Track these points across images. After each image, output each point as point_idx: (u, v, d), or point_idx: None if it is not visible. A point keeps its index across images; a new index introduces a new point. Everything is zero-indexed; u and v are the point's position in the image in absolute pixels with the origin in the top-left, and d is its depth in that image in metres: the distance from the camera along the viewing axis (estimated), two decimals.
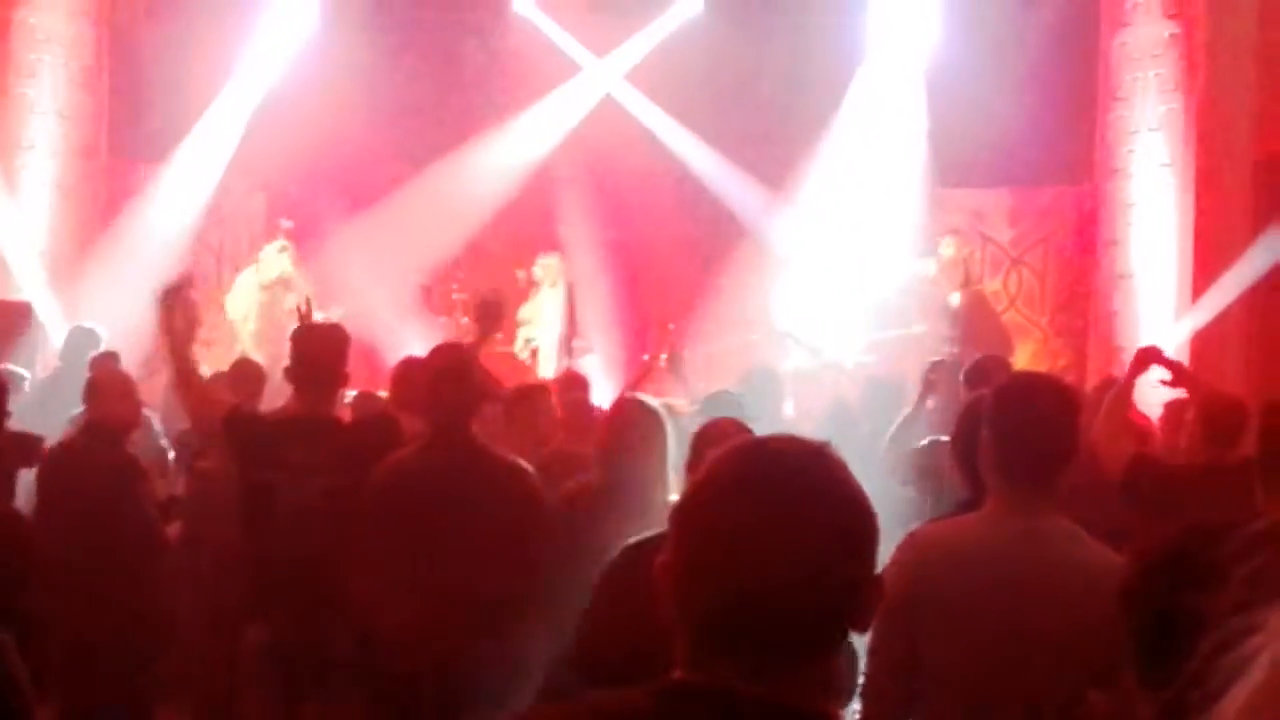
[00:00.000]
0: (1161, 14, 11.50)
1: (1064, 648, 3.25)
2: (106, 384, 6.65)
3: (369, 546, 4.98)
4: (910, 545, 3.46)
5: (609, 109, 13.48)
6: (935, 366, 7.92)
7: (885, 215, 12.75)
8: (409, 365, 6.47)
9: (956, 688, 3.34)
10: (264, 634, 5.25)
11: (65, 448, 6.46)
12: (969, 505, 3.74)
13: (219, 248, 13.14)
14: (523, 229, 13.33)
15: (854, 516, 1.74)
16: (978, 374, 6.52)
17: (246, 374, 8.09)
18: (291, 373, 5.45)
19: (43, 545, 5.93)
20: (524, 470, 5.19)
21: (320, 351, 5.42)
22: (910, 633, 3.34)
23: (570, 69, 13.55)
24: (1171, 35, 11.44)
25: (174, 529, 6.58)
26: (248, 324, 12.52)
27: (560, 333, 12.65)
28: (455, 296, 12.93)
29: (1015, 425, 3.41)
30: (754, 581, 1.68)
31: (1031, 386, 3.72)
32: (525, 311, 12.69)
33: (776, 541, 1.69)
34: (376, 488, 5.07)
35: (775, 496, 1.71)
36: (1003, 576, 3.32)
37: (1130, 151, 11.80)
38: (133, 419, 6.58)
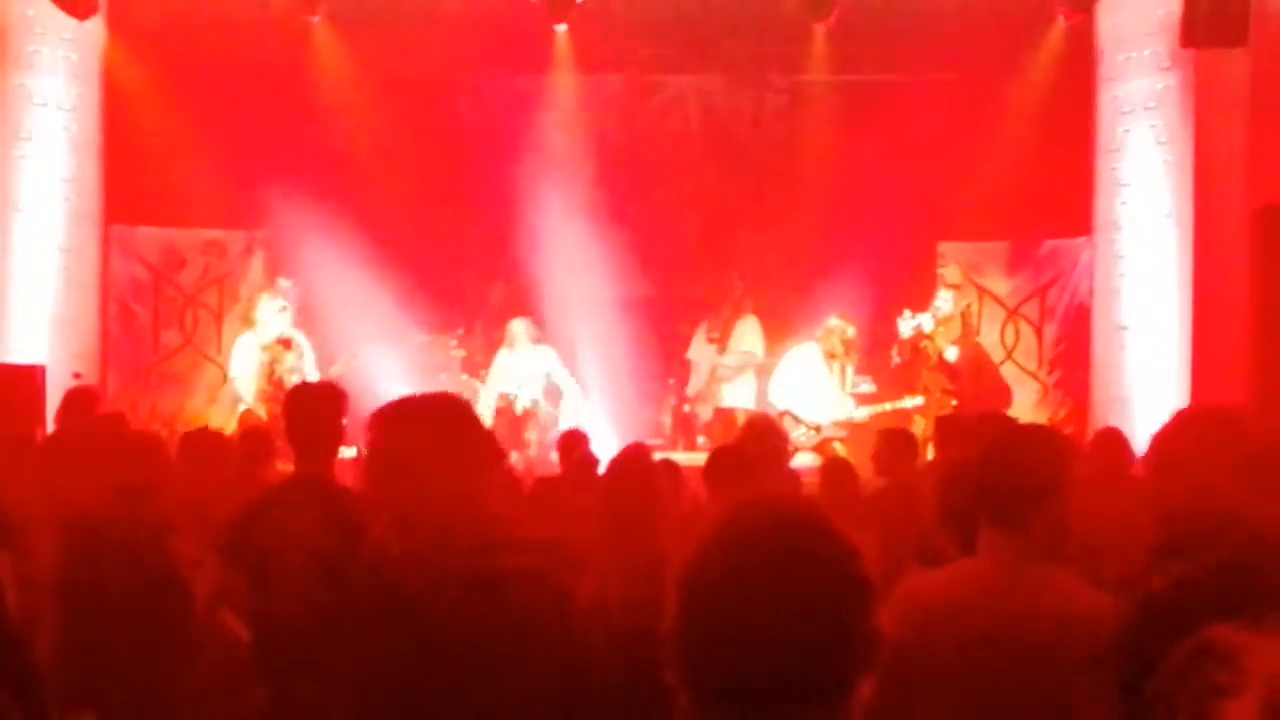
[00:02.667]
0: (1154, 67, 11.57)
1: (1051, 696, 3.26)
2: (139, 443, 6.62)
3: (361, 621, 4.87)
4: (901, 597, 3.47)
5: (615, 165, 13.58)
6: (943, 422, 7.98)
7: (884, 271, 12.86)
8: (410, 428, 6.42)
9: None
10: (263, 699, 5.19)
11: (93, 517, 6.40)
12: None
13: (218, 308, 13.15)
14: (525, 283, 13.38)
15: (850, 572, 1.77)
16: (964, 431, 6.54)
17: (256, 438, 8.05)
18: (288, 434, 5.43)
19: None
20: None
21: (315, 411, 5.39)
22: (901, 687, 3.34)
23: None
24: (1165, 88, 11.51)
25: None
26: (250, 384, 12.52)
27: (544, 388, 12.63)
28: (453, 353, 12.96)
29: (991, 468, 3.46)
30: (756, 640, 1.70)
31: (1013, 433, 3.76)
32: (509, 368, 12.61)
33: (777, 601, 1.71)
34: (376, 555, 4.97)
35: (774, 558, 1.74)
36: (989, 627, 3.34)
37: (1125, 204, 11.85)
38: (159, 479, 6.53)
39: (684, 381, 13.17)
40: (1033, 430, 3.72)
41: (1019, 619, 3.33)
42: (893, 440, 8.09)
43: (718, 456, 6.45)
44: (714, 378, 12.70)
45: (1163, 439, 4.03)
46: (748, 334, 12.73)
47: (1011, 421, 5.30)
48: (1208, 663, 1.74)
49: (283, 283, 12.56)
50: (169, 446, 6.94)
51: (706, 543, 1.79)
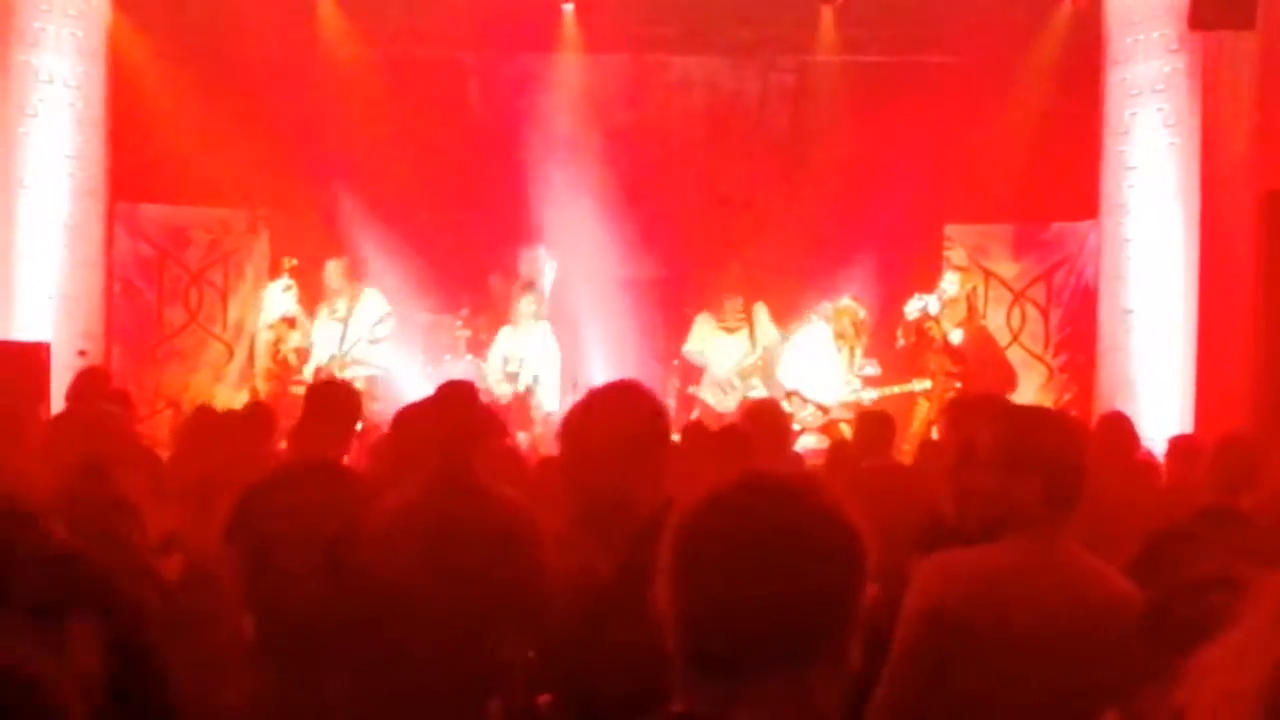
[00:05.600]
0: (1163, 49, 11.53)
1: (1094, 673, 3.29)
2: (95, 422, 6.63)
3: (363, 599, 4.87)
4: (941, 577, 3.48)
5: (621, 146, 13.55)
6: (952, 405, 7.98)
7: (890, 254, 12.87)
8: (413, 409, 6.40)
9: (982, 713, 3.38)
10: (263, 686, 5.17)
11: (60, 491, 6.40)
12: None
13: (222, 286, 13.14)
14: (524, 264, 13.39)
15: (837, 538, 1.78)
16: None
17: (259, 418, 8.04)
18: (302, 426, 5.43)
19: None
20: (529, 513, 5.09)
21: (332, 410, 5.37)
22: (943, 664, 3.38)
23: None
24: (1172, 70, 11.47)
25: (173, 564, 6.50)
26: (255, 362, 12.59)
27: (560, 367, 12.62)
28: (458, 334, 12.95)
29: (1032, 456, 3.48)
30: (748, 605, 1.73)
31: (1042, 417, 3.80)
32: (512, 346, 12.58)
33: (761, 563, 1.74)
34: (372, 535, 4.97)
35: (761, 522, 1.76)
36: (1040, 607, 3.39)
37: (1132, 186, 11.82)
38: (119, 456, 6.53)
39: (688, 364, 13.13)
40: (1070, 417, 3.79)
41: (1069, 600, 3.40)
42: (870, 422, 8.15)
43: (719, 435, 6.46)
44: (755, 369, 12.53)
45: None
46: (767, 324, 12.67)
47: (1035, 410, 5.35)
48: (1210, 589, 1.77)
49: (288, 261, 12.56)
50: (127, 424, 6.93)
51: (696, 509, 1.82)
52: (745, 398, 11.74)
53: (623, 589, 3.14)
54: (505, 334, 12.60)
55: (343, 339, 12.21)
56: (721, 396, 12.35)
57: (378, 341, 12.27)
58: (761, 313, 12.66)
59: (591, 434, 3.28)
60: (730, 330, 12.68)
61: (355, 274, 12.48)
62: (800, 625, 1.73)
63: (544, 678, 4.05)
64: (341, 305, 12.35)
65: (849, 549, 1.78)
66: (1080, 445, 3.60)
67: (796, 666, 1.74)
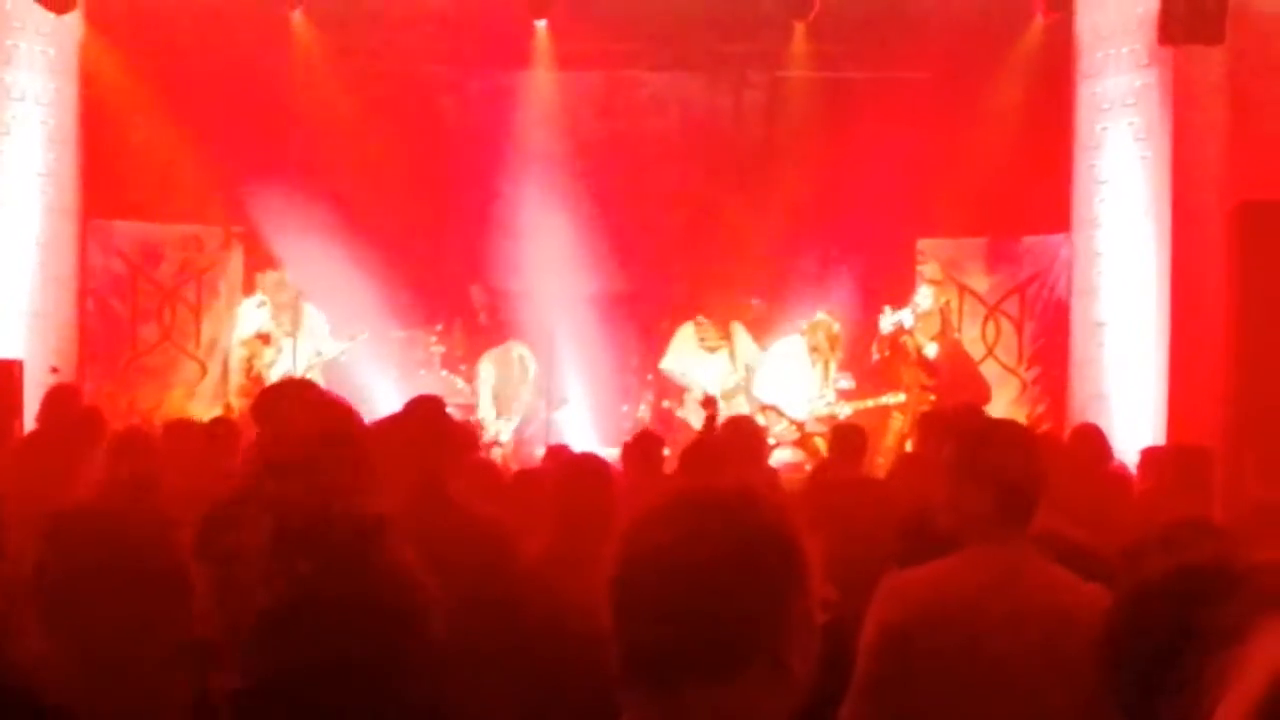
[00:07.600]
0: (1133, 64, 11.60)
1: (1052, 682, 3.30)
2: (130, 440, 6.58)
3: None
4: (894, 593, 3.50)
5: (594, 162, 13.56)
6: (926, 418, 8.04)
7: (864, 268, 12.92)
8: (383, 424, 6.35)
9: None
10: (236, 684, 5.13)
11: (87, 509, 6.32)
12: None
13: (196, 303, 13.10)
14: (501, 279, 13.39)
15: (776, 552, 1.78)
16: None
17: (223, 431, 8.01)
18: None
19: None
20: (507, 533, 5.08)
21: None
22: (901, 679, 3.39)
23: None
24: (1143, 85, 11.53)
25: None
26: (229, 379, 12.55)
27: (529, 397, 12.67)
28: (433, 349, 12.94)
29: (984, 469, 3.49)
30: (680, 617, 1.74)
31: (995, 431, 3.83)
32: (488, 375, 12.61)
33: (699, 581, 1.75)
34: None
35: (696, 541, 1.77)
36: (993, 619, 3.40)
37: (1103, 200, 11.88)
38: (156, 474, 6.49)
39: (664, 379, 13.14)
40: (1030, 430, 3.79)
41: (1023, 611, 3.41)
42: (843, 435, 8.16)
43: (693, 449, 6.46)
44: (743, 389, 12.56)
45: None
46: (748, 342, 12.70)
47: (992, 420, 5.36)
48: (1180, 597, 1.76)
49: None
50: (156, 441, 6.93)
51: (631, 526, 1.84)
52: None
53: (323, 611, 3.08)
54: (493, 378, 12.64)
55: (294, 354, 12.14)
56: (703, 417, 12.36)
57: (332, 361, 12.22)
58: (740, 332, 12.69)
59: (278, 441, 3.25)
60: (711, 349, 12.70)
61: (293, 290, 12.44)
62: (733, 635, 1.74)
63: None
64: (285, 320, 12.29)
65: (781, 560, 1.78)
66: (1035, 458, 3.61)
67: (734, 675, 1.74)
